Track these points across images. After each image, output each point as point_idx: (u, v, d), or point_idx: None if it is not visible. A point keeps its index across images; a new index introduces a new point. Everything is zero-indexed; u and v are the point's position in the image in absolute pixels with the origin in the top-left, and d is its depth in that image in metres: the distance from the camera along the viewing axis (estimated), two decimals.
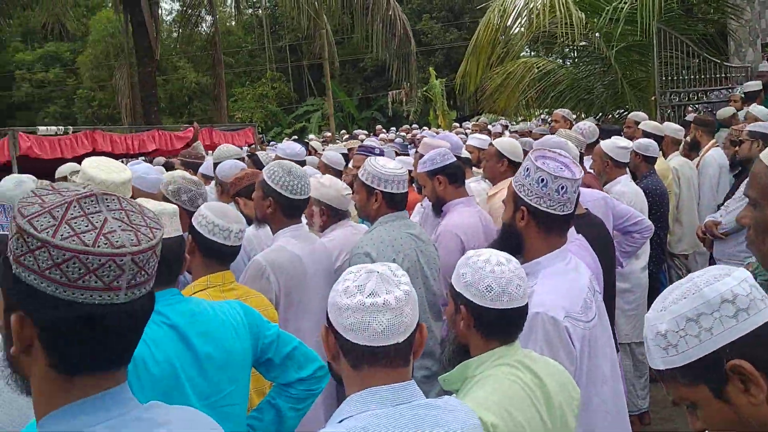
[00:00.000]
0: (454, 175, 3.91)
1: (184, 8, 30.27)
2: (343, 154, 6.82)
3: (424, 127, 19.71)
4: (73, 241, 0.99)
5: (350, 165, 6.36)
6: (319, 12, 10.86)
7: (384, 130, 19.94)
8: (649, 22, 8.59)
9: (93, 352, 1.05)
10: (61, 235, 0.99)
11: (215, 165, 5.17)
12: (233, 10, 31.81)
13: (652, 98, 9.38)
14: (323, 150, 10.04)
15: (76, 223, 1.02)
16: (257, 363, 2.22)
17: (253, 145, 10.35)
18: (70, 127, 7.58)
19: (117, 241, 1.02)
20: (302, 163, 5.62)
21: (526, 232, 2.29)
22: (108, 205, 1.07)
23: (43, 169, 6.56)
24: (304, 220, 3.53)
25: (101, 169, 3.00)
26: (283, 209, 3.16)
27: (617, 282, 4.03)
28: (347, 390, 1.55)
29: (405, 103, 25.25)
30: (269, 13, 34.53)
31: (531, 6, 9.28)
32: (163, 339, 1.92)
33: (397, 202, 3.28)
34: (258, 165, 5.66)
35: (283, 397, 2.25)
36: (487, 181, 5.76)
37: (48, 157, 6.88)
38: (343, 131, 19.04)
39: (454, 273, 1.92)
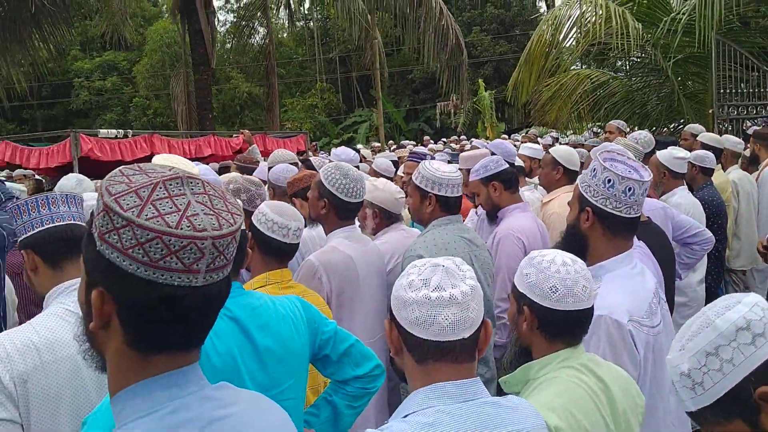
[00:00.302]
0: (509, 181, 3.89)
1: (238, 20, 30.95)
2: (392, 162, 6.85)
3: (473, 139, 19.66)
4: (157, 221, 1.00)
5: (399, 172, 6.37)
6: (372, 23, 10.92)
7: (432, 141, 19.92)
8: (708, 33, 8.40)
9: (169, 331, 1.06)
10: (146, 216, 1.00)
11: (269, 169, 5.24)
12: (285, 23, 32.26)
13: (710, 111, 9.16)
14: (373, 158, 10.09)
15: (161, 204, 1.02)
16: (315, 359, 2.22)
17: (306, 152, 10.44)
18: (130, 130, 7.77)
19: (199, 225, 1.02)
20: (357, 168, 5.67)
21: (591, 234, 2.24)
22: (192, 189, 1.07)
23: (102, 170, 6.73)
24: (357, 222, 3.55)
25: (171, 162, 3.06)
26: (338, 211, 3.18)
27: None
28: (410, 385, 1.53)
29: (453, 115, 25.19)
30: (320, 26, 34.95)
31: (586, 17, 9.18)
32: (225, 331, 1.94)
33: (450, 206, 3.26)
34: (311, 170, 5.72)
35: (339, 395, 2.25)
36: (539, 189, 5.73)
37: (107, 159, 7.07)
38: (391, 141, 19.10)
39: (517, 273, 1.88)
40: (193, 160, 9.61)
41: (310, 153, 10.62)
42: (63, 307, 2.03)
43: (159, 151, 7.71)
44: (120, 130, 7.55)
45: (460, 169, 4.20)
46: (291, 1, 17.22)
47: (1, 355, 1.86)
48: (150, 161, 7.78)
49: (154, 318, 1.04)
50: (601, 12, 8.91)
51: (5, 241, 3.15)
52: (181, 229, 1.00)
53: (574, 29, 9.49)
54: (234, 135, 9.87)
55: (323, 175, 3.19)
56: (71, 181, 3.96)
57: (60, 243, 2.11)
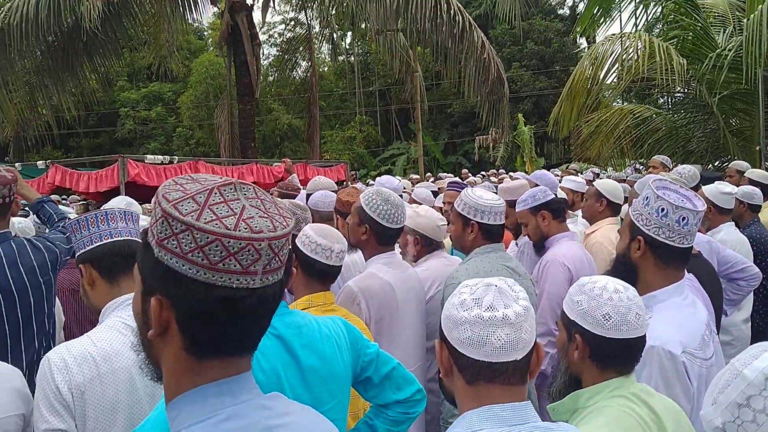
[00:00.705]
0: (557, 210, 3.87)
1: (281, 53, 31.59)
2: (432, 192, 6.86)
3: (511, 173, 19.61)
4: (216, 225, 1.02)
5: (437, 203, 6.37)
6: (413, 57, 11.05)
7: (470, 174, 19.92)
8: (755, 70, 8.28)
9: (226, 335, 1.08)
10: (205, 219, 1.03)
11: (308, 196, 5.28)
12: (327, 57, 32.90)
13: (757, 148, 8.98)
14: (413, 189, 10.12)
15: (217, 208, 1.05)
16: (356, 381, 2.20)
17: (345, 182, 10.53)
18: (175, 157, 7.94)
19: (256, 227, 1.04)
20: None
21: (642, 264, 2.20)
22: (245, 194, 1.10)
23: (149, 195, 6.87)
24: (397, 248, 3.54)
25: None
26: (378, 237, 3.17)
27: None
28: (460, 407, 1.51)
29: (492, 149, 25.19)
30: (361, 60, 35.46)
31: (629, 53, 9.15)
32: (270, 348, 1.94)
33: (493, 234, 3.23)
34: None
35: (380, 419, 2.22)
36: (579, 221, 5.67)
37: (153, 184, 7.21)
38: (429, 174, 19.14)
39: (566, 300, 1.85)
40: None
41: (349, 182, 10.71)
42: (119, 320, 2.08)
43: None
44: (166, 157, 7.72)
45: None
46: (334, 36, 17.47)
47: (60, 365, 1.91)
48: None
49: (212, 321, 1.06)
50: (644, 47, 8.87)
51: (59, 258, 3.22)
52: (239, 231, 1.03)
53: (616, 65, 9.45)
54: (275, 164, 10.02)
55: (364, 200, 3.19)
56: (120, 204, 4.05)
57: (118, 258, 2.16)
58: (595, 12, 10.14)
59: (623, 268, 2.23)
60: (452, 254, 4.33)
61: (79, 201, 8.94)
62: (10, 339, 2.97)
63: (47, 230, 3.57)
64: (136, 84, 36.54)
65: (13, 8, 11.83)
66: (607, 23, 10.18)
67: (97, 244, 2.16)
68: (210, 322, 1.06)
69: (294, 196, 6.06)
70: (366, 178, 28.95)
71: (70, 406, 1.89)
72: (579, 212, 5.97)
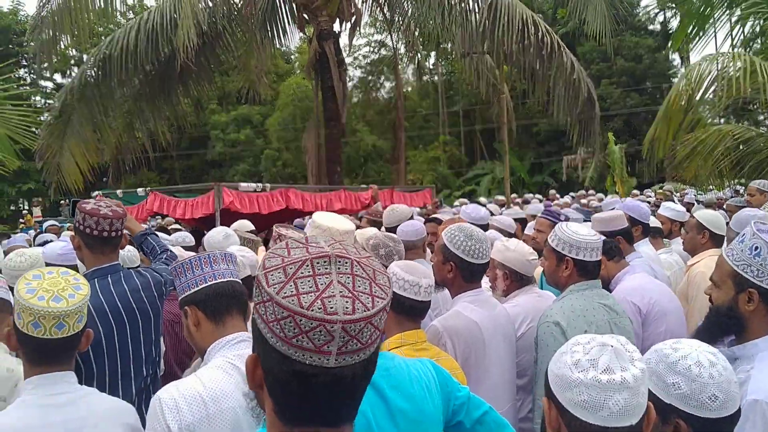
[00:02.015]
0: (610, 251, 3.89)
1: (366, 75, 32.08)
2: (521, 219, 6.75)
3: (610, 195, 19.08)
4: (292, 301, 1.02)
5: (527, 231, 6.26)
6: (501, 78, 10.98)
7: (558, 196, 19.53)
8: None
9: (306, 406, 1.08)
10: (284, 294, 1.03)
11: (387, 229, 5.28)
12: (410, 77, 33.15)
13: None
14: (501, 212, 10.00)
15: (302, 282, 1.05)
16: (447, 425, 2.16)
17: (429, 206, 10.53)
18: (268, 184, 8.15)
19: (331, 308, 1.02)
20: (485, 227, 5.62)
21: (752, 316, 2.08)
22: (339, 268, 1.09)
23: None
24: (485, 283, 3.49)
25: (328, 218, 3.19)
26: (463, 273, 3.12)
27: None
28: None
29: (580, 169, 24.61)
30: (445, 79, 35.50)
31: (729, 72, 8.76)
32: None
33: (589, 271, 3.14)
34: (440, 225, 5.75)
35: None
36: (674, 252, 5.44)
37: (246, 211, 7.44)
38: (514, 195, 18.89)
39: (655, 381, 1.68)
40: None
41: (429, 206, 10.70)
42: (225, 360, 2.13)
43: (294, 204, 8.06)
44: (259, 184, 7.95)
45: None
46: (418, 57, 17.60)
47: (171, 405, 1.97)
48: (285, 214, 8.05)
49: (289, 391, 1.07)
50: (744, 66, 8.48)
51: (164, 288, 3.35)
52: (312, 310, 1.02)
53: (714, 85, 9.07)
54: (359, 189, 10.16)
55: (447, 238, 3.15)
56: (220, 235, 4.20)
57: (222, 298, 2.22)
58: (689, 30, 9.79)
59: (727, 320, 2.11)
60: (542, 287, 4.24)
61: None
62: (120, 367, 3.09)
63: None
64: (226, 107, 37.79)
65: (114, 40, 12.53)
66: (703, 41, 9.78)
67: (202, 286, 2.23)
68: (287, 391, 1.07)
69: (381, 224, 6.11)
70: (450, 198, 28.88)
71: None
72: (675, 241, 5.75)
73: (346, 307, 1.03)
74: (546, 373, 1.51)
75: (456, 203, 18.65)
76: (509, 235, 5.83)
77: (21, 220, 25.93)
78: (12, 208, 34.24)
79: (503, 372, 3.15)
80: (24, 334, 2.04)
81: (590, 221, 7.34)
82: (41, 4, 11.57)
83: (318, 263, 1.08)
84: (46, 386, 2.09)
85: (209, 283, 2.23)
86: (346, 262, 1.10)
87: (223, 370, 2.11)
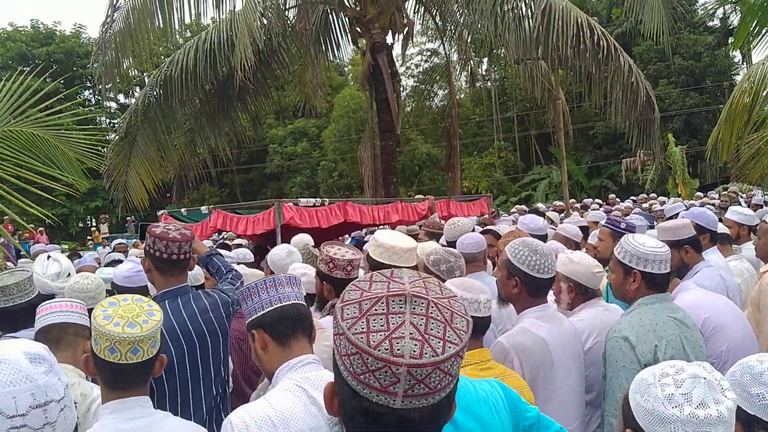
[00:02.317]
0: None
1: (418, 84, 32.11)
2: (582, 227, 6.64)
3: (661, 197, 18.62)
4: (361, 338, 1.02)
5: (589, 240, 6.16)
6: (556, 83, 10.85)
7: (618, 200, 19.14)
8: None
9: None
10: (355, 330, 1.03)
11: (449, 243, 5.26)
12: (463, 84, 33.05)
13: None
14: (561, 219, 9.84)
15: (374, 319, 1.05)
16: None
17: (485, 216, 10.46)
18: (326, 199, 8.25)
19: (398, 350, 1.01)
20: (544, 238, 5.56)
21: None
22: (413, 308, 1.07)
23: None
24: (550, 297, 3.44)
25: (390, 237, 3.21)
26: (529, 289, 3.08)
27: None
28: None
29: (640, 171, 24.06)
30: (498, 85, 35.26)
31: None
32: None
33: (657, 284, 3.07)
34: (497, 237, 5.70)
35: None
36: (744, 258, 5.27)
37: (306, 226, 7.55)
38: (573, 200, 18.59)
39: (739, 392, 1.66)
40: (381, 225, 10.04)
41: (485, 215, 10.61)
42: (293, 383, 2.16)
43: (352, 217, 8.13)
44: (318, 199, 8.06)
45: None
46: (471, 64, 17.54)
47: (241, 428, 2.00)
48: (343, 228, 8.10)
49: (358, 426, 1.07)
50: None
51: (231, 308, 3.43)
52: (379, 350, 1.01)
53: None
54: (416, 200, 10.17)
55: (510, 253, 3.10)
56: (283, 252, 4.29)
57: (288, 321, 2.26)
58: (751, 27, 9.47)
59: None
60: (607, 299, 4.16)
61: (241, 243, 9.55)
62: (191, 385, 3.17)
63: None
64: (283, 121, 38.43)
65: (174, 61, 12.90)
66: (767, 38, 9.45)
67: (268, 309, 2.27)
68: (356, 425, 1.08)
69: (439, 236, 6.11)
70: (506, 204, 28.63)
71: None
72: (745, 246, 5.57)
73: (414, 351, 1.01)
74: (624, 399, 1.48)
75: (513, 210, 18.48)
76: (575, 244, 5.75)
77: (89, 237, 26.89)
78: (80, 225, 35.52)
79: (572, 389, 3.10)
80: (101, 360, 2.11)
81: (653, 226, 7.22)
82: (104, 27, 12.01)
83: (393, 301, 1.07)
84: (123, 411, 2.14)
85: (274, 306, 2.27)
86: (422, 303, 1.08)
87: (291, 392, 2.14)
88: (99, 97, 38.71)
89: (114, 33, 11.73)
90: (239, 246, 9.39)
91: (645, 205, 15.62)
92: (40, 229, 19.87)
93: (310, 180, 35.96)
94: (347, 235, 11.12)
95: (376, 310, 1.06)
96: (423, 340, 1.03)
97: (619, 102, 11.41)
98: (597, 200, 19.37)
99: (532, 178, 32.92)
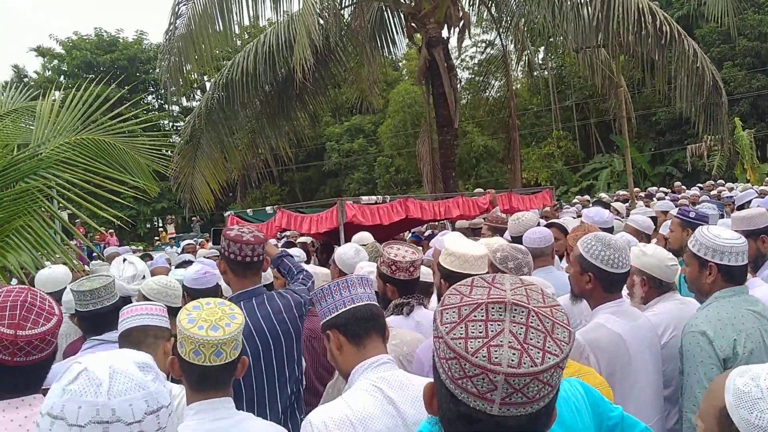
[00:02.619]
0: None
1: (473, 76, 31.82)
2: (651, 218, 6.49)
3: (729, 183, 18.00)
4: (459, 344, 1.03)
5: (661, 231, 6.03)
6: (617, 70, 10.60)
7: (684, 187, 18.61)
8: None
9: None
10: (453, 335, 1.04)
11: (514, 239, 5.21)
12: (519, 75, 32.61)
13: None
14: (626, 211, 9.63)
15: (473, 325, 1.05)
16: None
17: (547, 208, 10.33)
18: (387, 196, 8.28)
19: (496, 358, 1.01)
20: (610, 230, 5.46)
21: None
22: (513, 317, 1.06)
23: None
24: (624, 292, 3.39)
25: (461, 245, 3.22)
26: (603, 284, 3.02)
27: None
28: None
29: (706, 157, 23.30)
30: (556, 74, 34.65)
31: None
32: None
33: (735, 276, 2.99)
34: (562, 231, 5.63)
35: None
36: None
37: (368, 223, 7.59)
38: (637, 189, 18.16)
39: None
40: (441, 220, 10.03)
41: (548, 208, 10.47)
42: (369, 383, 2.20)
43: (413, 213, 8.15)
44: (379, 197, 8.09)
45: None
46: (527, 54, 17.30)
47: (321, 428, 2.05)
48: (405, 224, 8.12)
49: (456, 429, 1.08)
50: None
51: (304, 308, 3.50)
52: (476, 357, 1.01)
53: None
54: (477, 194, 10.11)
55: (583, 248, 3.05)
56: (351, 251, 4.35)
57: (362, 322, 2.30)
58: None
59: None
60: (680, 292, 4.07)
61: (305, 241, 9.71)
62: (267, 385, 3.25)
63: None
64: (339, 118, 38.70)
65: (235, 65, 13.18)
66: None
67: (342, 310, 2.31)
68: (455, 428, 1.09)
69: (504, 230, 6.06)
70: (567, 195, 28.15)
71: None
72: None
73: (512, 360, 1.01)
74: (722, 414, 1.38)
75: (574, 200, 18.17)
76: (647, 237, 5.64)
77: (156, 237, 27.73)
78: (148, 226, 36.61)
79: (650, 385, 3.04)
80: (186, 362, 2.18)
81: (723, 215, 7.01)
82: (168, 33, 12.35)
83: (493, 308, 1.07)
84: (207, 411, 2.21)
85: (348, 307, 2.31)
86: (523, 311, 1.07)
87: (368, 392, 2.17)
88: (162, 102, 39.80)
89: (177, 38, 12.05)
90: (304, 244, 9.54)
91: (713, 192, 15.13)
92: (110, 231, 20.56)
93: (368, 176, 36.11)
94: (407, 232, 11.15)
95: (475, 316, 1.06)
96: (522, 350, 1.02)
97: (684, 87, 11.09)
98: (662, 188, 18.86)
99: (593, 168, 32.26)
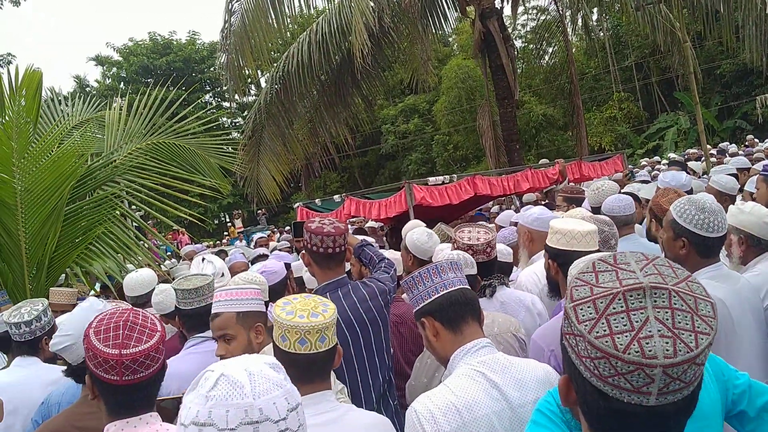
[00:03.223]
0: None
1: (526, 44, 31.17)
2: (732, 175, 6.24)
3: None
4: (605, 342, 0.98)
5: (747, 188, 5.77)
6: (681, 26, 10.13)
7: (756, 141, 17.86)
8: None
9: None
10: (596, 333, 0.99)
11: (594, 210, 5.08)
12: (573, 39, 31.83)
13: None
14: (703, 171, 9.29)
15: (615, 319, 0.99)
16: (728, 416, 2.05)
17: (619, 174, 10.05)
18: (455, 175, 8.20)
19: (649, 351, 0.96)
20: (689, 192, 5.27)
21: None
22: (655, 301, 1.00)
23: (435, 214, 7.20)
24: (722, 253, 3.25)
25: (566, 222, 3.14)
26: (698, 249, 2.92)
27: None
28: None
29: None
30: (612, 34, 33.60)
31: None
32: None
33: None
34: (636, 200, 5.46)
35: None
36: None
37: (437, 204, 7.55)
38: (708, 147, 17.49)
39: None
40: (511, 195, 9.89)
41: (619, 174, 10.16)
42: (470, 368, 2.17)
43: (482, 191, 8.04)
44: (446, 176, 8.02)
45: None
46: (582, 16, 16.83)
47: (427, 416, 2.04)
48: (474, 201, 8.00)
49: (607, 424, 1.04)
50: None
51: (389, 295, 3.49)
52: (628, 354, 0.96)
53: None
54: (543, 165, 9.90)
55: (676, 212, 2.95)
56: (423, 236, 4.32)
57: (457, 307, 2.26)
58: None
59: None
60: None
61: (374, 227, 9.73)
62: (359, 375, 3.26)
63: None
64: (393, 100, 38.55)
65: (290, 57, 13.25)
66: None
67: (435, 296, 2.28)
68: (604, 424, 1.05)
69: (581, 200, 5.93)
70: (633, 158, 27.35)
71: None
72: None
73: (667, 350, 0.96)
74: None
75: (643, 162, 17.64)
76: (731, 198, 5.42)
77: (225, 233, 28.32)
78: (216, 222, 37.44)
79: (754, 348, 2.92)
80: (291, 354, 2.15)
81: None
82: (223, 31, 12.52)
83: (631, 296, 1.01)
84: (309, 406, 2.17)
85: (441, 293, 2.28)
86: (663, 294, 1.01)
87: (470, 378, 2.15)
88: (219, 100, 40.49)
89: (232, 35, 12.19)
90: (373, 230, 9.56)
91: None
92: (182, 229, 21.11)
93: (426, 156, 35.90)
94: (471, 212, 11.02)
95: (614, 308, 1.00)
96: (674, 336, 0.97)
97: (752, 37, 10.58)
98: (733, 145, 18.12)
99: (659, 127, 31.19)
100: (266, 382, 1.19)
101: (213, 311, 3.02)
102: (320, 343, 2.16)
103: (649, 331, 0.97)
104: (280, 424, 1.17)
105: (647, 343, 0.96)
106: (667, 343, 0.96)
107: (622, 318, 0.99)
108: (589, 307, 1.02)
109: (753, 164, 8.12)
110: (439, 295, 2.28)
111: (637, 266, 1.07)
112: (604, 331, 0.98)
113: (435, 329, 2.29)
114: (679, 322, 0.99)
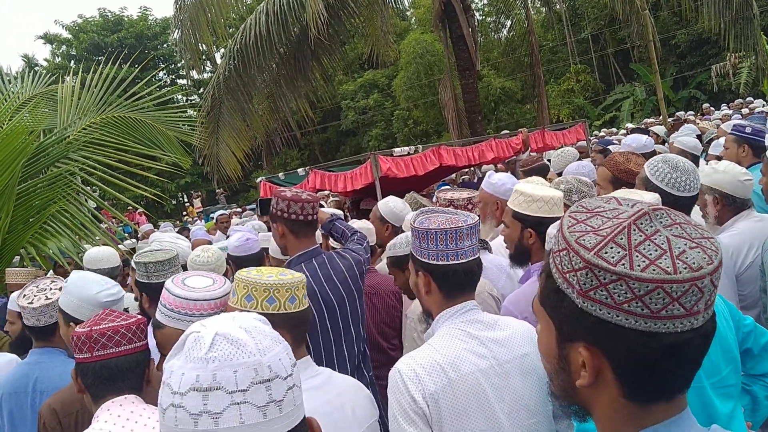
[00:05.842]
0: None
1: (483, 17, 31.16)
2: (697, 136, 6.29)
3: (760, 99, 17.50)
4: (654, 270, 0.93)
5: (711, 151, 5.82)
6: None
7: (712, 108, 18.20)
8: None
9: (669, 379, 1.00)
10: (639, 266, 0.94)
11: (559, 174, 5.08)
12: (532, 11, 31.90)
13: None
14: (665, 135, 9.37)
15: (644, 249, 0.96)
16: None
17: (582, 143, 10.11)
18: (420, 146, 8.15)
19: (694, 263, 0.94)
20: (651, 154, 5.28)
21: None
22: (661, 221, 1.00)
23: (399, 186, 7.12)
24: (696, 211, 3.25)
25: (533, 187, 3.07)
26: (671, 208, 2.90)
27: None
28: None
29: (732, 76, 22.66)
30: (568, 6, 33.76)
31: None
32: None
33: None
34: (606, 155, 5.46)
35: (758, 385, 2.32)
36: None
37: (403, 175, 7.48)
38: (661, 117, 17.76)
39: None
40: (477, 165, 9.86)
41: (583, 142, 10.23)
42: (456, 328, 2.13)
43: (446, 161, 7.99)
44: (411, 147, 7.96)
45: None
46: None
47: (411, 376, 1.98)
48: (440, 172, 7.97)
49: (656, 369, 0.98)
50: None
51: (363, 268, 3.42)
52: (680, 273, 0.93)
53: None
54: (507, 134, 9.89)
55: (649, 170, 2.89)
56: (399, 203, 4.30)
57: (461, 279, 2.16)
58: None
59: None
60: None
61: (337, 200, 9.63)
62: (335, 347, 3.19)
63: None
64: (352, 75, 38.20)
65: (247, 29, 12.93)
66: None
67: (443, 263, 2.14)
68: (654, 370, 0.99)
69: (541, 168, 5.91)
70: (590, 128, 27.64)
71: (426, 415, 1.97)
72: None
73: (704, 258, 0.95)
74: None
75: (602, 133, 17.82)
76: (693, 158, 5.45)
77: (184, 213, 27.89)
78: (174, 202, 36.84)
79: None
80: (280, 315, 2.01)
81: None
82: (178, 4, 12.14)
83: (641, 223, 0.99)
84: (302, 371, 2.12)
85: (451, 262, 2.14)
86: (662, 213, 1.02)
87: (455, 337, 2.11)
88: (174, 77, 39.58)
89: (186, 8, 11.84)
90: (337, 203, 9.44)
91: (744, 111, 14.70)
92: (140, 209, 20.67)
93: (386, 131, 35.73)
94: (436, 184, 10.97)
95: (636, 239, 0.97)
96: (699, 246, 0.97)
97: (710, 4, 10.69)
98: (691, 113, 18.43)
99: (615, 99, 31.56)
100: (266, 338, 1.09)
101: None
102: (290, 304, 2.04)
103: (679, 248, 0.96)
104: (288, 381, 1.08)
105: (687, 258, 0.95)
106: (699, 253, 0.96)
107: (649, 246, 0.97)
108: (612, 247, 0.97)
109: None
110: (448, 263, 2.14)
111: (624, 201, 1.07)
112: (645, 262, 0.95)
113: (430, 287, 2.19)
114: (691, 233, 0.99)
